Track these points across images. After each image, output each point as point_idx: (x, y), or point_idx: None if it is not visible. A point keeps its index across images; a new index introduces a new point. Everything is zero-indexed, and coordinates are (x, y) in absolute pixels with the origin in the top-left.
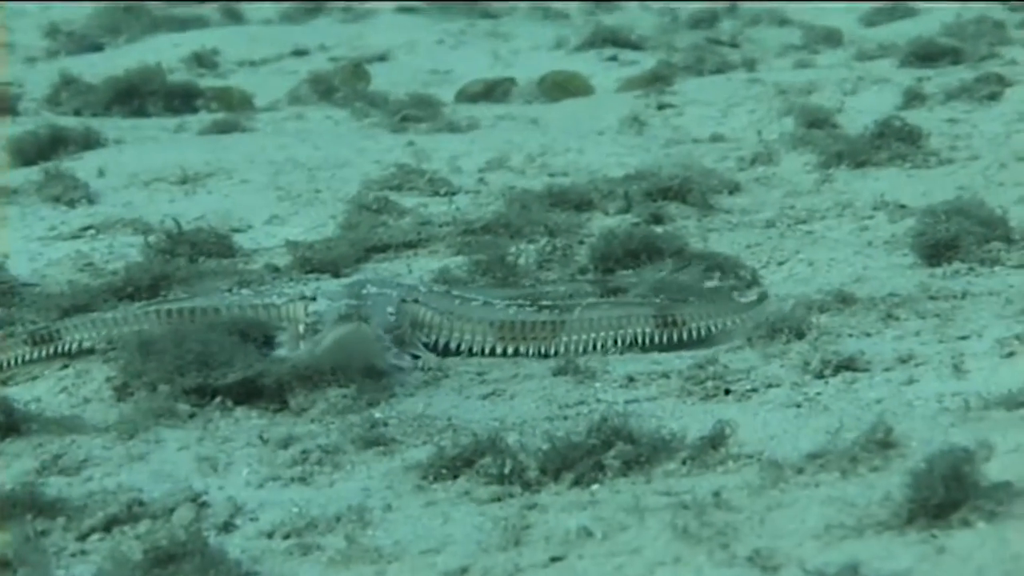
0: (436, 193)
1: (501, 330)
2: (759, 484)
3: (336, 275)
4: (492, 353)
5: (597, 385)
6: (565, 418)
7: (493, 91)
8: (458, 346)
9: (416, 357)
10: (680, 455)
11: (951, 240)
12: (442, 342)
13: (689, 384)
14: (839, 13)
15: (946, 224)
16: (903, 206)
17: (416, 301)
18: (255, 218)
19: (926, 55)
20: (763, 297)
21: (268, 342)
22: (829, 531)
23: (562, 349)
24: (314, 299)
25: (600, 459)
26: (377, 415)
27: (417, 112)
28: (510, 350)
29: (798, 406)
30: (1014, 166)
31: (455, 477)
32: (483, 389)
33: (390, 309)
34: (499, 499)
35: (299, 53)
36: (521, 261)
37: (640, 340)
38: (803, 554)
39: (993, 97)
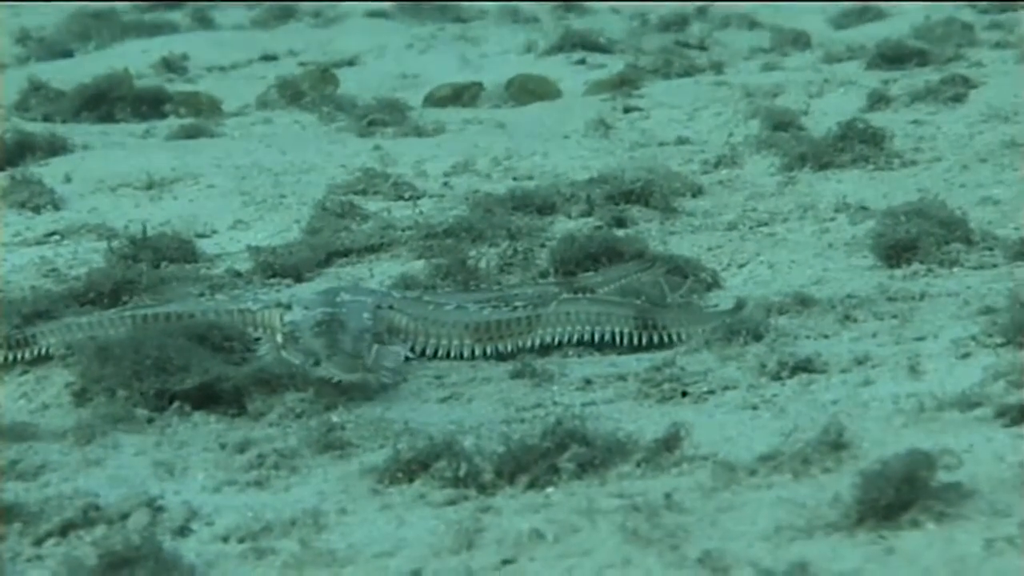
0: (400, 197)
1: (477, 331)
2: (711, 486)
3: (299, 279)
4: (471, 355)
5: (554, 388)
6: (522, 421)
7: (461, 95)
8: (435, 351)
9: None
10: (635, 457)
11: (910, 241)
12: (419, 348)
13: (646, 386)
14: (810, 16)
15: (905, 226)
16: (864, 208)
17: (391, 308)
18: (220, 223)
19: (893, 57)
20: (741, 304)
21: (247, 347)
22: (779, 532)
23: (540, 342)
24: (289, 307)
25: (555, 462)
26: (334, 419)
27: (384, 116)
28: (488, 350)
29: (754, 408)
30: (976, 168)
31: (411, 480)
32: (441, 392)
33: (366, 315)
34: (454, 502)
35: (268, 58)
36: (482, 265)
37: (618, 340)
38: (753, 555)
39: (958, 99)
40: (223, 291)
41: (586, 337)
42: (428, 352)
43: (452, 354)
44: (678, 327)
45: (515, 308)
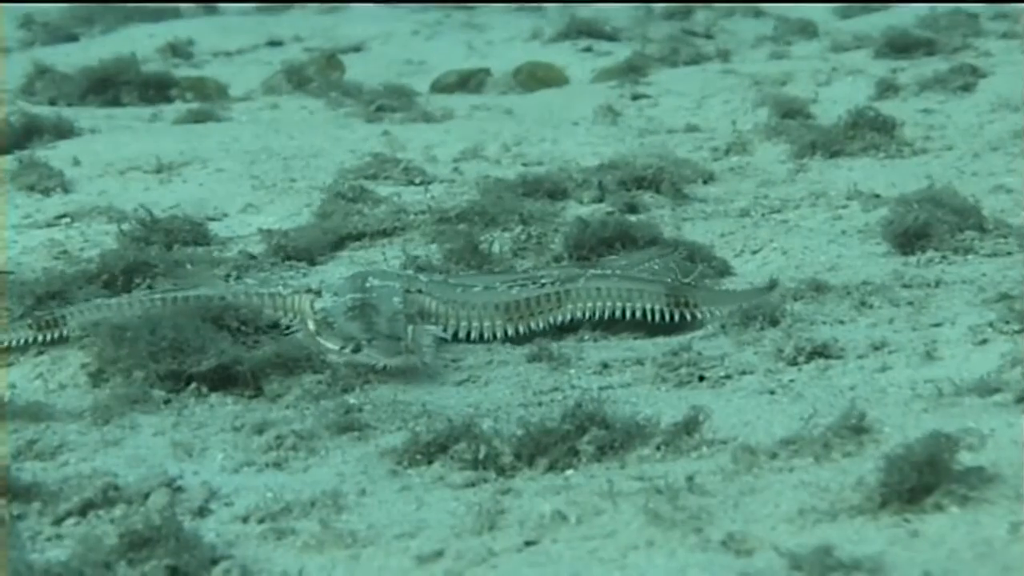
0: (411, 182)
1: (507, 311)
2: (733, 469)
3: (311, 263)
4: (504, 336)
5: (571, 372)
6: (539, 404)
7: (468, 82)
8: (467, 334)
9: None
10: (654, 441)
11: (923, 228)
12: (450, 331)
13: (663, 371)
14: (814, 5)
15: (916, 212)
16: (877, 195)
17: (419, 292)
18: (230, 207)
19: (900, 46)
20: (773, 284)
21: (262, 330)
22: (802, 515)
23: (571, 317)
24: (319, 293)
25: (574, 444)
26: (352, 401)
27: (392, 102)
28: (520, 329)
29: (772, 393)
30: (987, 156)
31: (429, 462)
32: (458, 376)
33: (396, 299)
34: (473, 484)
35: (274, 44)
36: (495, 249)
37: (650, 316)
38: (776, 538)
39: (967, 88)
40: (250, 275)
41: (616, 313)
42: (460, 335)
43: (485, 336)
44: (710, 304)
45: (542, 285)
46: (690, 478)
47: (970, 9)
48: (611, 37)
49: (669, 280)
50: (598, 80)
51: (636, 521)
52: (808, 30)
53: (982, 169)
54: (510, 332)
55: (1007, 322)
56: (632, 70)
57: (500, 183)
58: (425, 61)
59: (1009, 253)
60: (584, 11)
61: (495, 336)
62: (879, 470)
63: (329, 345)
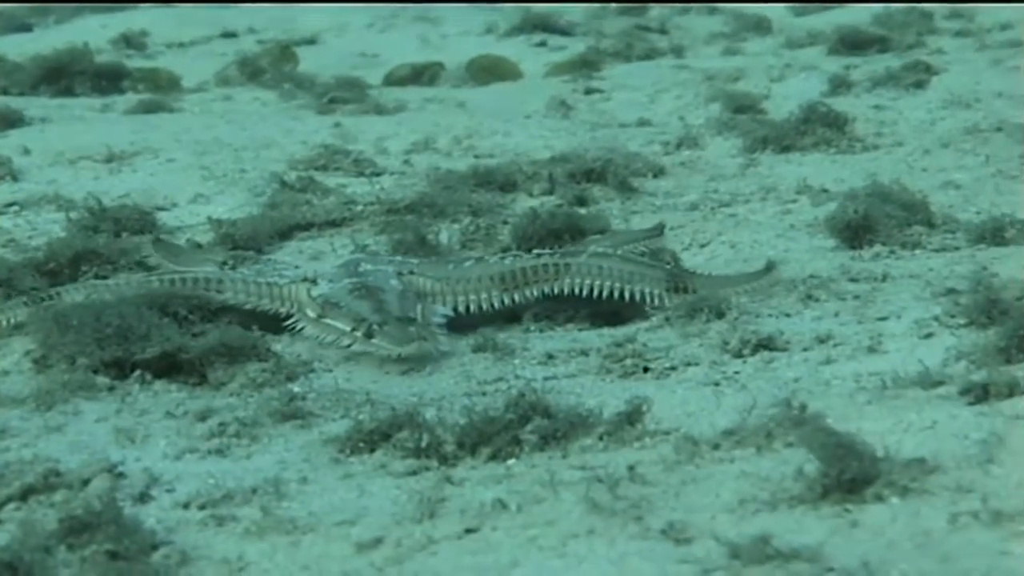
0: (361, 174)
1: (504, 281)
2: (674, 459)
3: (259, 252)
4: (501, 305)
5: (516, 362)
6: (483, 394)
7: (421, 75)
8: (467, 308)
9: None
10: (597, 431)
11: (871, 223)
12: (448, 307)
13: (608, 362)
14: (770, 2)
15: (864, 207)
16: (826, 190)
17: (412, 273)
18: (180, 196)
19: (854, 43)
20: (771, 266)
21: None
22: (743, 505)
23: (567, 291)
24: (315, 281)
25: (517, 434)
26: (296, 389)
27: (344, 94)
28: (516, 299)
29: (716, 384)
30: (938, 152)
31: (372, 451)
32: (402, 365)
33: (394, 282)
34: (415, 472)
35: (228, 35)
36: (443, 240)
37: (649, 300)
38: (716, 527)
39: (919, 85)
40: (245, 265)
41: (615, 293)
42: (459, 309)
43: (483, 307)
44: (710, 289)
45: (540, 255)
46: (631, 468)
47: (924, 8)
48: (566, 32)
49: (668, 265)
50: (551, 74)
51: (576, 510)
52: (762, 27)
53: (932, 165)
54: (507, 302)
55: (952, 316)
56: (585, 65)
57: (450, 175)
58: (379, 54)
59: (956, 248)
60: (539, 5)
61: (492, 307)
62: (820, 460)
63: (339, 326)
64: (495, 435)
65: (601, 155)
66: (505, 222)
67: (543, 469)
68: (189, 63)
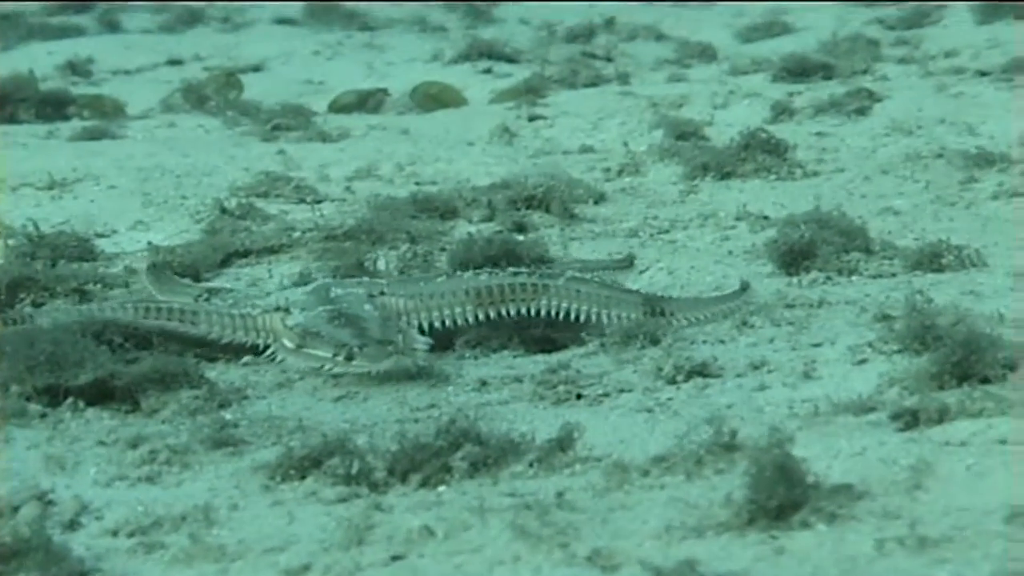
0: (302, 200)
1: (479, 297)
2: (604, 486)
3: (196, 279)
4: (475, 320)
5: (450, 388)
6: (416, 420)
7: (366, 102)
8: (442, 323)
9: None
10: (528, 457)
11: (808, 249)
12: (424, 324)
13: (542, 388)
14: (717, 29)
15: (802, 232)
16: (765, 217)
17: (382, 294)
18: (120, 223)
19: (798, 70)
20: (745, 286)
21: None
22: (670, 531)
23: (543, 312)
24: (288, 310)
25: (448, 461)
26: (228, 416)
27: (288, 121)
28: (492, 315)
29: (649, 411)
30: (878, 179)
31: (303, 477)
32: (336, 391)
33: (367, 307)
34: (345, 499)
35: (174, 62)
36: (380, 266)
37: (625, 323)
38: (642, 553)
39: (862, 112)
40: (219, 296)
41: (592, 318)
42: (435, 324)
43: (457, 323)
44: (685, 313)
45: (517, 275)
46: (560, 494)
47: (870, 35)
48: (512, 59)
49: (642, 291)
50: (496, 101)
51: (503, 536)
52: (708, 53)
53: (872, 191)
54: (480, 317)
55: (886, 342)
56: (530, 91)
57: (391, 202)
58: (325, 81)
59: (893, 274)
60: (486, 32)
61: (467, 322)
62: (747, 487)
63: (320, 354)
64: (426, 462)
65: (542, 182)
66: (443, 249)
67: (473, 496)
68: (135, 90)
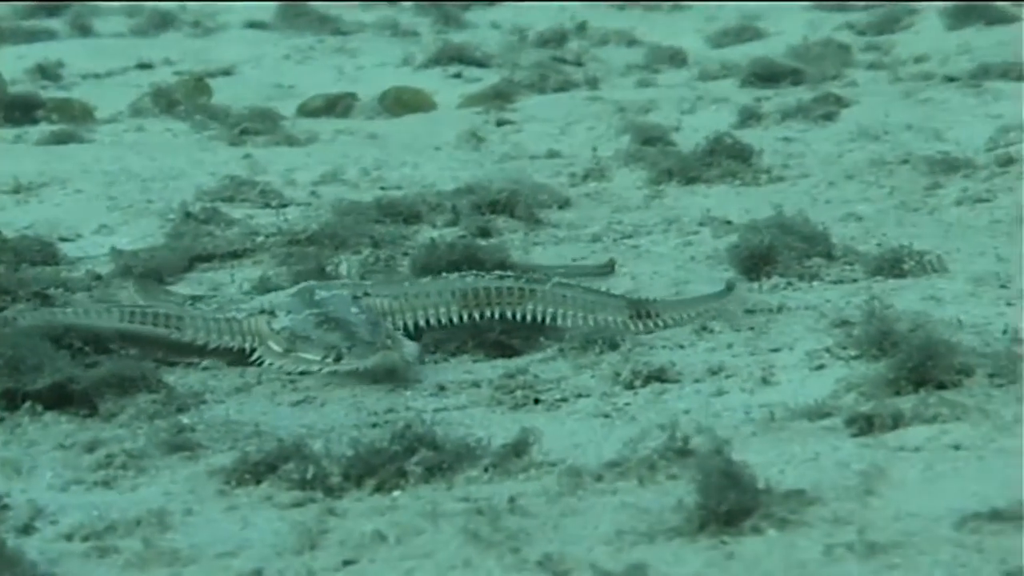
0: (267, 205)
1: (465, 298)
2: (557, 491)
3: (160, 283)
4: (460, 321)
5: (407, 394)
6: (374, 425)
7: (335, 106)
8: (427, 323)
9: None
10: (483, 462)
11: (770, 254)
12: (409, 324)
13: (499, 393)
14: (689, 35)
15: (763, 238)
16: (728, 222)
17: (367, 295)
18: (84, 227)
19: (767, 76)
20: (731, 286)
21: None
22: (620, 536)
23: (529, 317)
24: (273, 313)
25: (402, 466)
26: (185, 421)
27: (256, 125)
28: (477, 317)
29: (606, 416)
30: (842, 184)
31: (258, 482)
32: (294, 396)
33: (354, 309)
34: (300, 504)
35: (144, 66)
36: (342, 271)
37: (612, 327)
38: (593, 558)
39: (829, 117)
40: (204, 301)
41: (579, 322)
42: (420, 324)
43: (441, 322)
44: (671, 313)
45: (504, 279)
46: (512, 499)
47: (841, 40)
48: (482, 63)
49: (626, 295)
50: (465, 106)
51: (455, 541)
52: (677, 59)
53: (836, 197)
54: (465, 319)
55: (844, 348)
56: (499, 96)
57: (355, 206)
58: (295, 85)
59: (855, 280)
60: (457, 37)
61: (451, 322)
62: (699, 492)
63: (310, 357)
64: (380, 467)
65: (506, 186)
66: (406, 253)
67: (426, 501)
68: (104, 94)
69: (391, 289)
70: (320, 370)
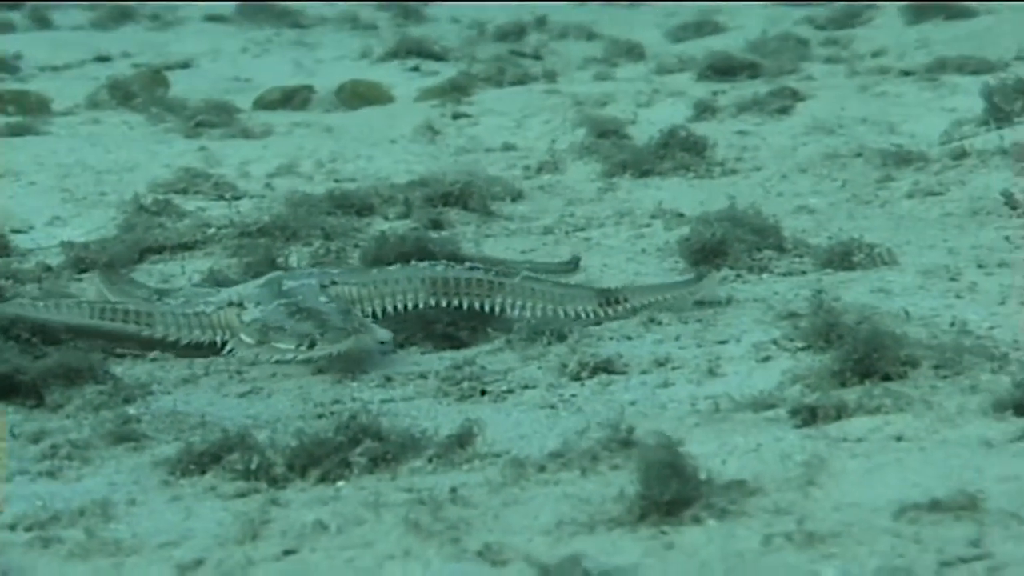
0: (221, 197)
1: (435, 285)
2: (500, 481)
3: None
4: (426, 307)
5: (354, 385)
6: (320, 416)
7: (292, 99)
8: (393, 307)
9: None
10: (427, 453)
11: (720, 247)
12: (377, 310)
13: (446, 384)
14: (648, 29)
15: (714, 230)
16: (680, 214)
17: (334, 283)
18: (37, 219)
19: (724, 69)
20: (701, 275)
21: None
22: (560, 527)
23: (498, 309)
24: (242, 305)
25: (347, 456)
26: (131, 412)
27: (212, 118)
28: (444, 305)
29: (552, 407)
30: (795, 177)
31: (202, 473)
32: (241, 387)
33: (323, 299)
34: (244, 494)
35: (102, 59)
36: (292, 263)
37: (584, 318)
38: (531, 549)
39: (784, 111)
40: (170, 295)
41: (548, 315)
42: (387, 310)
43: (408, 307)
44: (641, 298)
45: (473, 269)
46: (453, 490)
47: (800, 34)
48: (440, 57)
49: (593, 286)
50: (422, 99)
51: (396, 531)
52: (635, 52)
53: (788, 190)
54: (432, 304)
55: (791, 340)
56: (455, 89)
57: (307, 198)
58: (252, 78)
59: (804, 272)
60: (416, 31)
61: (417, 307)
62: (639, 482)
63: (283, 346)
64: (325, 457)
65: (459, 179)
66: (356, 245)
67: (370, 491)
68: (62, 86)
69: (358, 277)
70: (295, 358)
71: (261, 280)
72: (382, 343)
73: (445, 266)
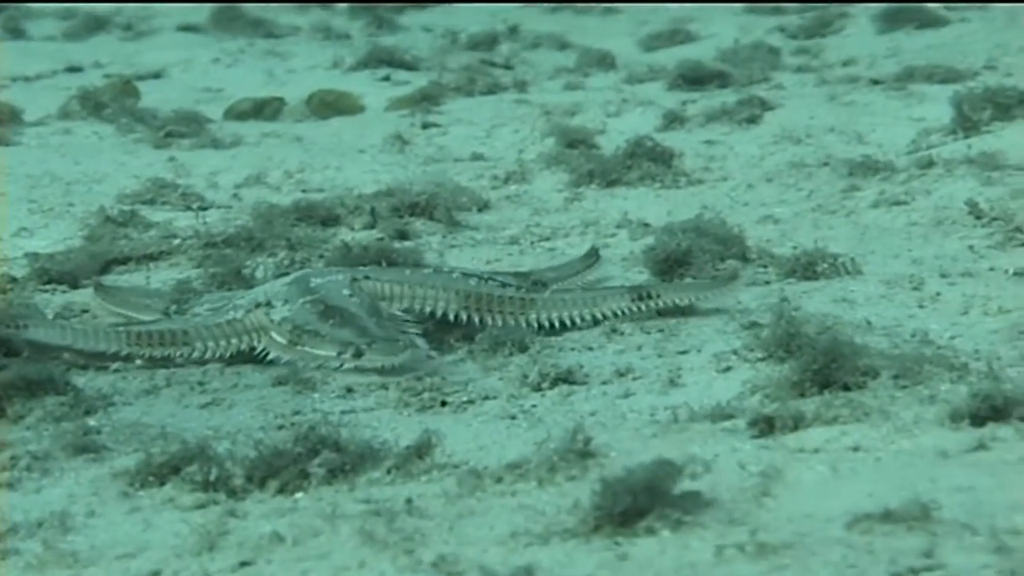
0: (188, 208)
1: (467, 299)
2: (456, 492)
3: (74, 286)
4: (455, 320)
5: (315, 395)
6: (280, 427)
7: (262, 109)
8: (421, 311)
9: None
10: (386, 464)
11: (684, 256)
12: (406, 307)
13: (407, 395)
14: (620, 38)
15: (678, 240)
16: (646, 224)
17: (367, 278)
18: (2, 230)
19: (694, 78)
20: (735, 273)
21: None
22: (515, 538)
23: (533, 324)
24: (270, 304)
25: (305, 467)
26: (91, 423)
27: (182, 128)
28: (474, 320)
29: (512, 418)
30: (761, 187)
31: (161, 484)
32: (202, 398)
33: (346, 291)
34: (202, 506)
35: (74, 69)
36: (258, 274)
37: (620, 316)
38: (485, 560)
39: (752, 120)
40: (194, 305)
41: (586, 320)
42: (415, 310)
43: (435, 314)
44: (673, 296)
45: (505, 286)
46: (409, 500)
47: (772, 43)
48: (411, 66)
49: (627, 285)
50: (392, 109)
51: (351, 542)
52: (606, 62)
53: (754, 199)
54: (462, 319)
55: (751, 350)
56: (426, 99)
57: (274, 209)
58: (223, 88)
59: (767, 282)
60: (388, 40)
61: (446, 318)
62: (594, 494)
63: (322, 353)
64: (283, 468)
65: (426, 189)
66: (322, 256)
67: (327, 502)
68: (33, 97)
69: (391, 275)
70: (341, 366)
71: (288, 278)
72: (429, 357)
73: (478, 279)
